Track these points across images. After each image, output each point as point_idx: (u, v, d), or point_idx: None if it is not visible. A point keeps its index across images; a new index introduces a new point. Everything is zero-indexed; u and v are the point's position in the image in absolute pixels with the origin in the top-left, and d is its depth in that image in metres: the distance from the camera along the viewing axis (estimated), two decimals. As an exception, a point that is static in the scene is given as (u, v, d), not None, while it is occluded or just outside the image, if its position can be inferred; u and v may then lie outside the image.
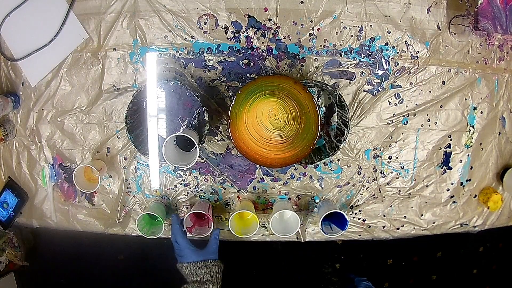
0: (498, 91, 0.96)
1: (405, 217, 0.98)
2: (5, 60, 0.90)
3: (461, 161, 0.97)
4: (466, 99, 0.94)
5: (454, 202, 0.99)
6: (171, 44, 0.88)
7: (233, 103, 0.75)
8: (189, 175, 0.93)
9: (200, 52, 0.87)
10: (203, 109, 0.81)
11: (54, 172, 0.95)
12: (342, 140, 0.84)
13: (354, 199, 0.96)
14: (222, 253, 0.86)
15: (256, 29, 0.86)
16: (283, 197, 0.94)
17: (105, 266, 1.68)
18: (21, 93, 0.92)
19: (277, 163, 0.77)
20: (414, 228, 0.99)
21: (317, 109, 0.74)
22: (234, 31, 0.87)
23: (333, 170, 0.94)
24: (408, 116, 0.93)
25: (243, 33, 0.87)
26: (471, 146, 0.97)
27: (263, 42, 0.87)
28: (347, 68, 0.89)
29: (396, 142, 0.93)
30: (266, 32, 0.86)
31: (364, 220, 0.97)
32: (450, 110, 0.94)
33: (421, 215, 0.98)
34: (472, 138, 0.96)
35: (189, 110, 0.89)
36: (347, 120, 0.83)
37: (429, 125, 0.94)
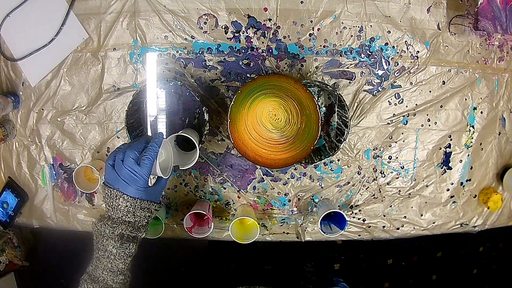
0: (498, 91, 0.96)
1: (405, 217, 0.98)
2: (5, 60, 0.90)
3: (461, 161, 0.97)
4: (466, 99, 0.94)
5: (454, 202, 0.99)
6: (171, 44, 0.87)
7: (232, 102, 0.74)
8: (189, 175, 0.93)
9: (200, 52, 0.87)
10: (203, 109, 0.81)
11: (54, 172, 0.95)
12: (342, 140, 0.84)
13: (354, 199, 0.96)
14: (216, 252, 0.84)
15: (256, 29, 0.86)
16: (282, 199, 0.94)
17: (105, 266, 1.68)
18: (21, 93, 0.92)
19: (277, 163, 0.76)
20: (414, 228, 0.99)
21: (318, 109, 0.74)
22: (234, 31, 0.87)
23: (333, 170, 0.93)
24: (408, 116, 0.93)
25: (243, 33, 0.87)
26: (471, 146, 0.97)
27: (263, 42, 0.87)
28: (347, 68, 0.89)
29: (396, 142, 0.93)
30: (266, 32, 0.86)
31: (364, 220, 0.97)
32: (450, 110, 0.94)
33: (421, 215, 0.98)
34: (472, 138, 0.96)
35: (189, 110, 0.89)
36: (347, 120, 0.83)
37: (429, 125, 0.94)
